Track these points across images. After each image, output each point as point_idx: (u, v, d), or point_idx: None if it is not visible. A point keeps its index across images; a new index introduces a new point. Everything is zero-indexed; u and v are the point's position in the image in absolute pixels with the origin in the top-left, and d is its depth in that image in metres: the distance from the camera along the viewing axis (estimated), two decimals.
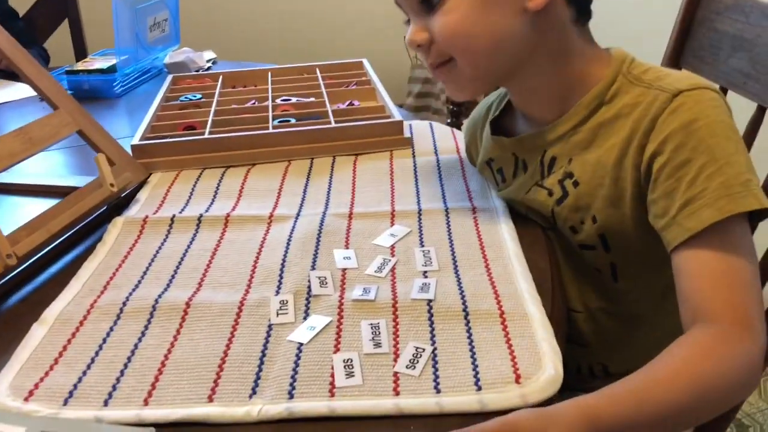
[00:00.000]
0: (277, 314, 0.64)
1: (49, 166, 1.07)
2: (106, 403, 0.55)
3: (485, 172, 0.89)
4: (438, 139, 1.03)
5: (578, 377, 0.85)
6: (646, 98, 0.69)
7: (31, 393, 0.56)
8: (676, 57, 1.03)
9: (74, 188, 0.85)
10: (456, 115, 1.71)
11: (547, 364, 0.56)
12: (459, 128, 1.53)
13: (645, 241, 0.71)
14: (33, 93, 1.37)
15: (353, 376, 0.56)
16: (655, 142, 0.67)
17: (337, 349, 0.59)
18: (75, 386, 0.57)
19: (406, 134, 1.00)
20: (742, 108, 0.94)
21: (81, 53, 1.92)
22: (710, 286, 0.61)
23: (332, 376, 0.56)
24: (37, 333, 0.64)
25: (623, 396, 0.54)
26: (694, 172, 0.64)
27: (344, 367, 0.57)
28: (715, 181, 0.63)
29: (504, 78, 0.77)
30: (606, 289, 0.79)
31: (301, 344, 0.60)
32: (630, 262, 0.76)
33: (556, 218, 0.77)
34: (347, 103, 1.15)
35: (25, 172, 0.98)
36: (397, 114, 1.02)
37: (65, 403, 0.55)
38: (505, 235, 0.76)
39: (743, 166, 0.64)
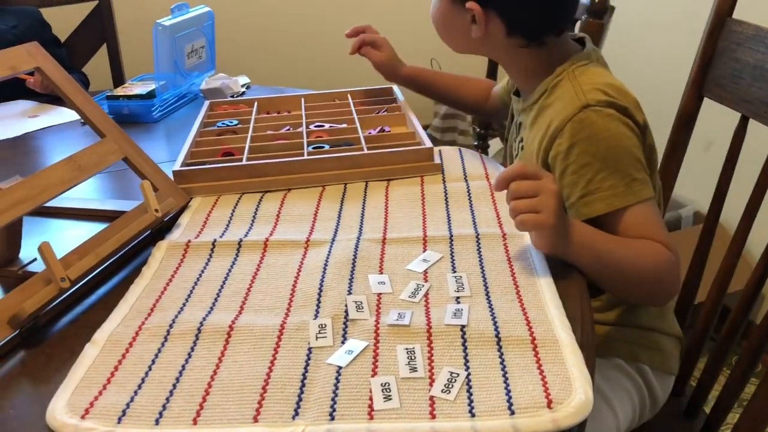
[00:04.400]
0: (317, 338, 0.67)
1: (92, 191, 1.12)
2: (157, 422, 0.58)
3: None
4: (467, 165, 1.05)
5: None
6: (567, 96, 0.88)
7: (87, 411, 0.59)
8: (698, 86, 1.05)
9: (120, 212, 0.89)
10: (483, 138, 1.73)
11: (577, 389, 0.58)
12: (486, 150, 1.56)
13: None
14: (75, 117, 1.43)
15: (391, 399, 0.58)
16: (564, 145, 0.86)
17: (374, 373, 0.62)
18: (128, 405, 0.60)
19: (436, 160, 1.03)
20: (764, 136, 0.96)
21: (118, 78, 1.98)
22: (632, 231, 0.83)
23: (371, 399, 0.59)
24: (89, 353, 0.67)
25: (604, 236, 0.81)
26: (591, 174, 0.84)
27: (382, 390, 0.59)
28: (607, 183, 0.84)
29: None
30: None
31: (340, 367, 0.63)
32: None
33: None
34: (378, 129, 1.18)
35: (69, 197, 1.02)
36: (427, 141, 1.05)
37: (119, 421, 0.58)
38: (535, 261, 0.78)
39: (630, 170, 0.84)
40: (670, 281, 0.85)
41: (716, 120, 1.12)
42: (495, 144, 2.16)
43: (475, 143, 1.78)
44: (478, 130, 1.73)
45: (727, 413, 0.94)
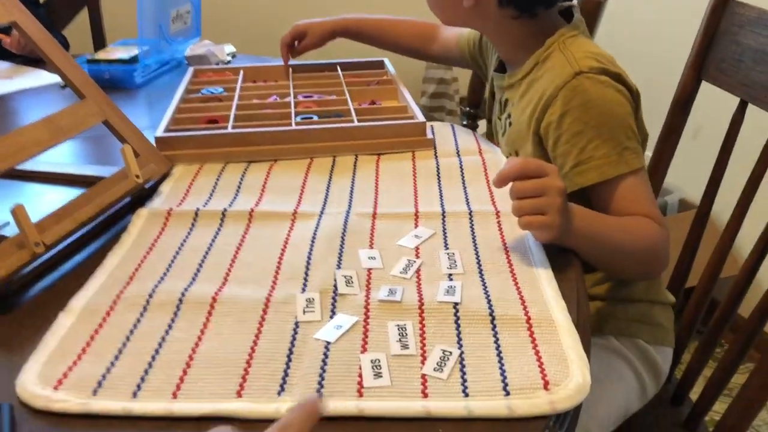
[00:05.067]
0: (304, 312, 0.65)
1: (69, 155, 1.08)
2: (135, 395, 0.55)
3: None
4: (460, 141, 1.03)
5: None
6: (558, 65, 0.87)
7: (60, 382, 0.56)
8: (697, 69, 1.03)
9: (98, 178, 0.85)
10: (472, 117, 1.70)
11: (574, 372, 0.56)
12: (475, 130, 1.53)
13: None
14: (54, 80, 1.38)
15: (381, 376, 0.56)
16: (557, 114, 0.85)
17: (364, 350, 0.60)
18: (103, 377, 0.57)
19: (429, 135, 1.01)
20: (763, 121, 0.94)
21: (99, 42, 1.92)
22: (623, 205, 0.83)
23: (360, 376, 0.56)
24: (63, 322, 0.64)
25: (602, 220, 0.80)
26: (584, 142, 0.83)
27: (372, 367, 0.57)
28: (600, 152, 0.83)
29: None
30: None
31: (329, 343, 0.60)
32: None
33: (501, 149, 1.00)
34: (369, 102, 1.15)
35: (45, 161, 0.98)
36: (420, 115, 1.02)
37: (94, 393, 0.55)
38: (529, 239, 0.76)
39: (621, 138, 0.83)
40: (664, 255, 0.84)
41: (706, 106, 1.10)
42: (483, 124, 2.14)
43: (464, 123, 1.75)
44: (467, 109, 1.70)
45: (713, 401, 0.93)
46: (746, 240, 0.96)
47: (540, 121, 0.87)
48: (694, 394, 0.97)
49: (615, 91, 0.84)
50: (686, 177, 1.60)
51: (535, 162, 0.72)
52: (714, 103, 1.10)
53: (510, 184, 0.71)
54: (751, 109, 0.95)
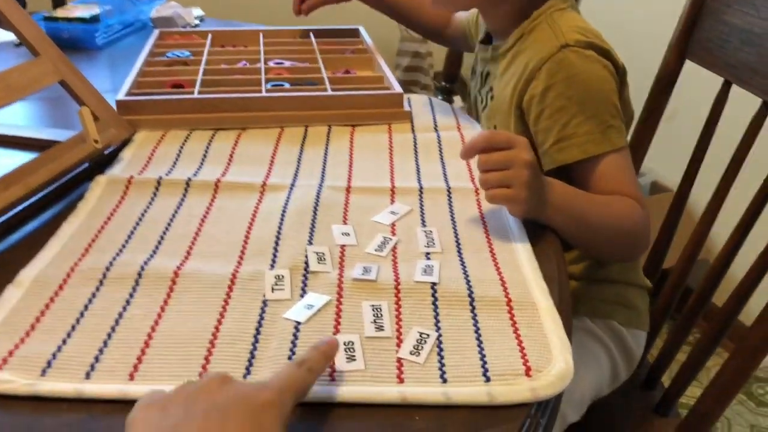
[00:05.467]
0: (273, 290, 0.61)
1: (22, 117, 1.01)
2: (88, 376, 0.51)
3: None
4: (438, 115, 0.99)
5: None
6: (543, 37, 0.84)
7: (4, 360, 0.52)
8: (681, 48, 1.00)
9: (54, 142, 0.80)
10: (447, 92, 1.67)
11: (557, 357, 0.54)
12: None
13: None
14: (8, 37, 1.30)
15: (355, 360, 0.53)
16: (540, 87, 0.81)
17: (336, 331, 0.56)
18: (54, 355, 0.53)
19: (406, 108, 0.97)
20: (747, 103, 0.92)
21: None
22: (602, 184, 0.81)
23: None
24: (11, 296, 0.59)
25: (581, 196, 0.77)
26: (567, 118, 0.80)
27: (345, 350, 0.54)
28: (582, 129, 0.80)
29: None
30: None
31: (299, 323, 0.57)
32: None
33: (480, 123, 0.98)
34: (343, 71, 1.10)
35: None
36: (396, 86, 0.98)
37: (43, 373, 0.51)
38: (509, 218, 0.73)
39: (605, 116, 0.80)
40: (644, 237, 0.82)
41: (681, 87, 1.08)
42: (457, 101, 2.11)
43: (440, 97, 1.72)
44: (442, 84, 1.66)
45: (686, 386, 0.92)
46: (723, 225, 0.94)
47: (523, 95, 0.84)
48: (667, 379, 0.96)
49: (601, 66, 0.81)
50: (659, 159, 1.59)
51: (503, 134, 0.71)
52: (690, 85, 1.08)
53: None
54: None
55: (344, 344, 0.54)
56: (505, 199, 0.69)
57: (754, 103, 0.88)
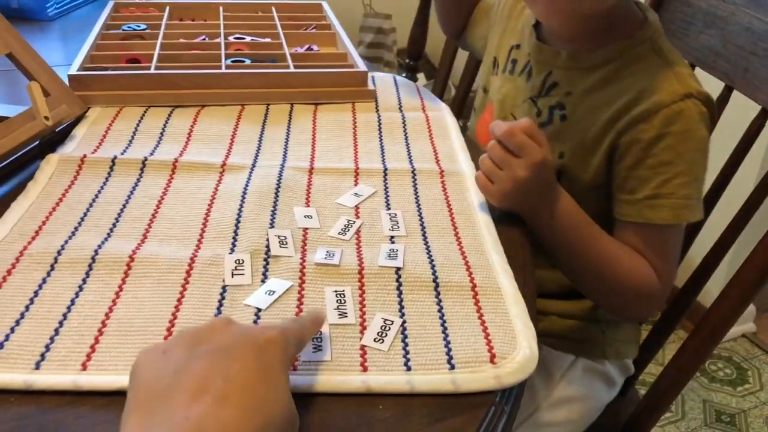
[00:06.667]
0: (232, 275, 0.59)
1: None
2: (38, 366, 0.49)
3: (500, 51, 0.91)
4: (402, 95, 0.97)
5: None
6: (661, 76, 0.74)
7: None
8: None
9: (2, 118, 0.76)
10: (411, 70, 1.64)
11: (522, 343, 0.53)
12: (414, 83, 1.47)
13: (582, 191, 0.77)
14: None
15: (321, 350, 0.52)
16: (651, 134, 0.73)
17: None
18: (1, 345, 0.51)
19: (370, 86, 0.95)
20: (710, 87, 0.93)
21: None
22: (649, 252, 0.75)
23: None
24: None
25: (583, 220, 0.73)
26: (671, 174, 0.73)
27: (312, 339, 0.52)
28: (684, 191, 0.73)
29: None
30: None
31: (260, 310, 0.55)
32: None
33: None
34: (306, 47, 1.08)
35: None
36: (361, 63, 0.96)
37: None
38: (474, 202, 0.72)
39: (702, 184, 0.75)
40: (647, 301, 0.78)
41: None
42: (421, 79, 2.09)
43: (403, 76, 1.70)
44: (407, 61, 1.64)
45: (645, 365, 0.93)
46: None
47: (622, 134, 0.75)
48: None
49: (706, 128, 0.74)
50: None
51: (519, 139, 0.67)
52: None
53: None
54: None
55: None
56: (482, 187, 0.71)
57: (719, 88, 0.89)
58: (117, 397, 0.47)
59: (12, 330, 0.52)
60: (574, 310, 0.88)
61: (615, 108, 0.75)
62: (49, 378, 0.48)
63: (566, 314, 0.88)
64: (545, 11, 0.76)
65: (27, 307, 0.54)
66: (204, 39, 1.06)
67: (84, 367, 0.50)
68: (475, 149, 0.83)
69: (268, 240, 0.63)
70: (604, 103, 0.76)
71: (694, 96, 0.72)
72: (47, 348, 0.51)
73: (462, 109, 1.32)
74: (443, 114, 0.92)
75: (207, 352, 0.40)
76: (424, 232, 0.67)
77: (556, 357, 0.88)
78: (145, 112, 0.87)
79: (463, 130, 0.89)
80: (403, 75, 1.69)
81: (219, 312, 0.55)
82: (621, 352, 0.90)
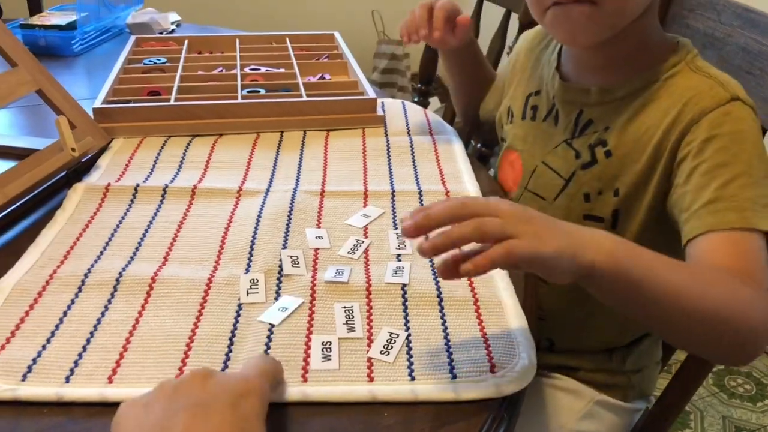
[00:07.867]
0: (248, 293, 0.63)
1: (1, 126, 1.02)
2: (67, 380, 0.53)
3: (515, 101, 0.88)
4: (411, 119, 1.01)
5: None
6: (702, 86, 0.70)
7: None
8: None
9: (32, 150, 0.81)
10: (423, 94, 1.69)
11: (521, 354, 0.56)
12: (426, 107, 1.52)
13: (646, 226, 0.73)
14: None
15: (330, 359, 0.55)
16: (699, 139, 0.67)
17: (309, 332, 0.58)
18: (34, 361, 0.54)
19: (379, 112, 0.99)
20: None
21: (36, 7, 1.82)
22: (731, 261, 0.61)
23: (305, 360, 0.55)
24: None
25: (649, 256, 0.55)
26: (729, 176, 0.64)
27: (322, 349, 0.56)
28: (747, 193, 0.63)
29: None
30: None
31: (273, 325, 0.59)
32: None
33: (572, 181, 0.77)
34: (318, 76, 1.12)
35: None
36: (371, 91, 1.00)
37: (24, 378, 0.53)
38: None
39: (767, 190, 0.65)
40: (745, 330, 0.57)
41: None
42: (435, 102, 2.13)
43: (415, 100, 1.74)
44: (419, 86, 1.68)
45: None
46: None
47: (674, 152, 0.69)
48: None
49: (758, 130, 0.68)
50: None
51: (471, 202, 0.53)
52: None
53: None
54: None
55: (322, 344, 0.56)
56: (508, 257, 0.49)
57: None
58: None
59: (44, 347, 0.56)
60: (600, 362, 0.86)
61: (663, 128, 0.70)
62: (78, 391, 0.52)
63: (594, 369, 0.85)
64: (583, 32, 0.71)
65: (57, 326, 0.58)
66: (221, 70, 1.11)
67: (110, 380, 0.53)
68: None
69: (281, 260, 0.67)
70: (650, 127, 0.71)
71: (741, 99, 0.68)
72: (76, 363, 0.54)
73: (474, 131, 1.36)
74: (450, 137, 0.96)
75: (186, 407, 0.41)
76: None
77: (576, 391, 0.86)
78: (165, 141, 0.92)
79: (476, 152, 0.89)
80: (416, 99, 1.73)
81: (235, 328, 0.59)
82: (643, 391, 0.89)
